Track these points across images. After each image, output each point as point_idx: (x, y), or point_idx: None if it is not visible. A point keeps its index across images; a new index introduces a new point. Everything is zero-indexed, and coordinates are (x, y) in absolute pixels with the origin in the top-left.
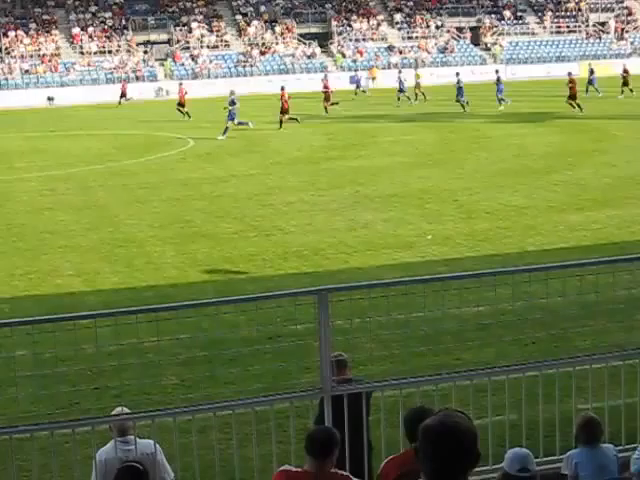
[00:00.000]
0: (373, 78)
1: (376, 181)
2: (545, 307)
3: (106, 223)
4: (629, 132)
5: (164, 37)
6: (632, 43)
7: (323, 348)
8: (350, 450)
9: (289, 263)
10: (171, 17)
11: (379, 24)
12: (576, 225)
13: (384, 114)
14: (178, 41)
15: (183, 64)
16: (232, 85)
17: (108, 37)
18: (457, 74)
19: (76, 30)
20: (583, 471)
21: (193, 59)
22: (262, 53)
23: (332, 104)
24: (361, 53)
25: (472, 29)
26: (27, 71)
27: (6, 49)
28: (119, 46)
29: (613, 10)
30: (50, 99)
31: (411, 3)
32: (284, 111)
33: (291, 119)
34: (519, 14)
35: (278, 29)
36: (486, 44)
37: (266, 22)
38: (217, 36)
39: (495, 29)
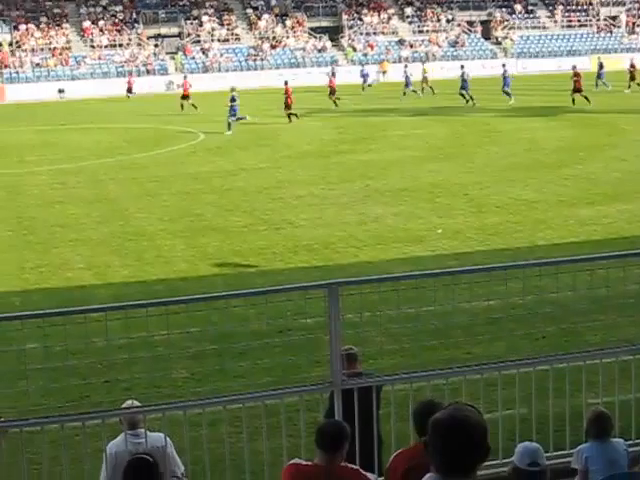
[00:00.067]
0: (384, 72)
1: (386, 175)
2: (555, 301)
3: (116, 216)
4: (638, 126)
5: (175, 30)
6: None
7: (333, 342)
8: (360, 444)
9: (299, 257)
10: (182, 10)
11: (390, 18)
12: (586, 219)
13: (394, 108)
14: (189, 34)
15: (194, 57)
16: (243, 79)
17: (119, 30)
18: (462, 67)
19: (87, 23)
20: (593, 465)
21: (204, 52)
22: (273, 47)
23: (336, 98)
24: (372, 47)
25: (483, 23)
26: (38, 64)
27: (17, 42)
28: (130, 40)
29: (624, 4)
30: (61, 91)
31: None
32: (288, 106)
33: (291, 115)
34: (530, 8)
35: (289, 23)
36: (497, 38)
37: (277, 16)
38: (228, 29)
39: (506, 23)
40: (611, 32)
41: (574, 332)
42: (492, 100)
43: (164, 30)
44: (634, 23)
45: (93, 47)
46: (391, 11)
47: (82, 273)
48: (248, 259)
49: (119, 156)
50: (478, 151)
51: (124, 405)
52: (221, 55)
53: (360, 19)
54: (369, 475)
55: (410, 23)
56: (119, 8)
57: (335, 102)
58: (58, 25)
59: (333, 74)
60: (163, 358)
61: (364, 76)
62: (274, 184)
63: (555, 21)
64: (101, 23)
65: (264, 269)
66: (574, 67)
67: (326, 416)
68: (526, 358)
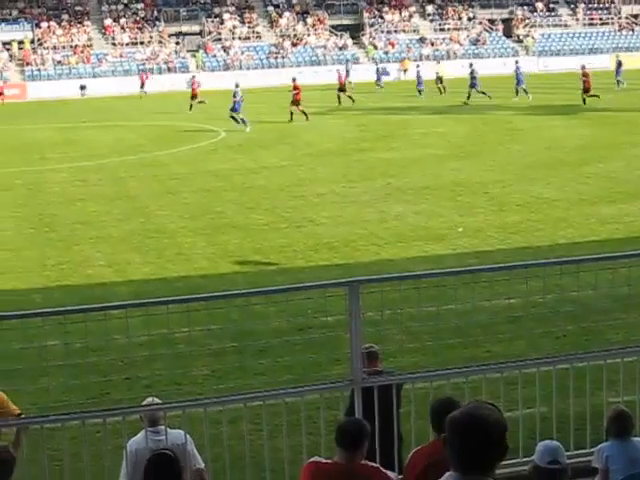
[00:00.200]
0: (405, 70)
1: (407, 173)
2: (576, 300)
3: (137, 214)
4: None
5: (196, 28)
6: None
7: (354, 340)
8: (380, 442)
9: (320, 255)
10: (203, 8)
11: (411, 16)
12: (608, 218)
13: (415, 106)
14: (210, 32)
15: (215, 55)
16: (264, 76)
17: (140, 28)
18: (470, 65)
19: (108, 21)
20: (614, 464)
21: (225, 50)
22: (294, 44)
23: (348, 95)
24: (393, 45)
25: (504, 21)
26: (59, 62)
27: (39, 40)
28: (151, 37)
29: None
30: (82, 88)
31: None
32: (296, 102)
33: (292, 114)
34: (552, 6)
35: (310, 20)
36: (518, 36)
37: (298, 13)
38: (249, 27)
39: (527, 21)
40: (633, 30)
41: (595, 331)
42: (513, 98)
43: (185, 28)
44: None
45: (114, 45)
46: (412, 9)
47: (103, 270)
48: (269, 257)
49: (140, 153)
50: (499, 149)
51: (144, 402)
52: (242, 53)
53: (381, 17)
54: (389, 473)
55: (431, 21)
56: (140, 6)
57: (339, 98)
58: (80, 23)
59: (347, 72)
60: (183, 355)
61: (379, 75)
62: (295, 182)
63: (577, 19)
64: (122, 21)
65: (285, 267)
66: (583, 67)
67: (346, 414)
68: (546, 357)
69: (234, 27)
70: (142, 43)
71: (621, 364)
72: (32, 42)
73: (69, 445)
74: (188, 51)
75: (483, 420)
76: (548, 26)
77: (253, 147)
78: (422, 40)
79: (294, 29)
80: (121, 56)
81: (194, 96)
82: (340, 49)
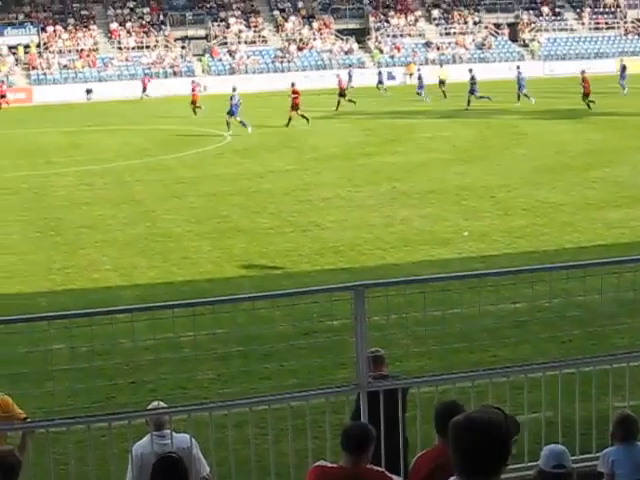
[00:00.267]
0: (410, 74)
1: (413, 177)
2: (582, 304)
3: (143, 218)
4: None
5: (202, 32)
6: None
7: (359, 344)
8: (386, 446)
9: (325, 259)
10: (209, 12)
11: (417, 20)
12: (614, 222)
13: (421, 110)
14: (216, 36)
15: (220, 59)
16: (269, 81)
17: (146, 32)
18: (470, 70)
19: (114, 25)
20: (620, 469)
21: (230, 54)
22: (299, 49)
23: (349, 100)
24: (398, 49)
25: (510, 25)
26: (65, 66)
27: (45, 44)
28: (157, 41)
29: None
30: (89, 92)
31: None
32: (295, 107)
33: (290, 119)
34: (557, 10)
35: (316, 25)
36: (524, 40)
37: (304, 18)
38: (255, 32)
39: (533, 25)
40: (638, 35)
41: (601, 335)
42: (514, 103)
43: (191, 32)
44: None
45: (120, 49)
46: (418, 13)
47: (108, 274)
48: (274, 261)
49: (146, 158)
50: (505, 153)
51: (150, 406)
52: (248, 57)
53: (387, 21)
54: (395, 477)
55: (437, 25)
56: (146, 10)
57: (338, 104)
58: (85, 27)
59: (350, 76)
60: (189, 359)
61: (381, 78)
62: (301, 186)
63: (582, 23)
64: (128, 25)
65: (290, 271)
66: (583, 72)
67: (352, 418)
68: (552, 361)
69: (240, 31)
70: (148, 47)
71: (627, 369)
72: (38, 46)
73: (74, 449)
74: (194, 55)
75: (487, 424)
76: (554, 30)
77: (259, 151)
78: (428, 44)
79: (300, 33)
80: (127, 60)
81: (194, 101)
82: (346, 53)
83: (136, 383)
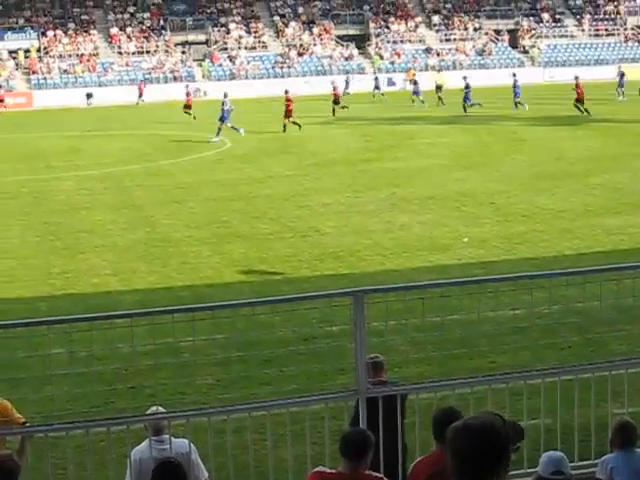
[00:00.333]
0: (410, 80)
1: (413, 183)
2: (582, 311)
3: (143, 223)
4: None
5: (202, 38)
6: None
7: (358, 350)
8: (384, 452)
9: (325, 264)
10: (209, 18)
11: (417, 26)
12: (613, 229)
13: (421, 116)
14: (216, 42)
15: (221, 65)
16: (269, 86)
17: (146, 37)
18: (464, 78)
19: (114, 30)
20: (618, 476)
21: (231, 60)
22: (300, 54)
23: (342, 107)
24: (399, 55)
25: (510, 31)
26: (65, 71)
27: (45, 49)
28: (157, 46)
29: None
30: (89, 96)
31: (449, 5)
32: (288, 114)
33: (285, 126)
34: (557, 17)
35: (316, 30)
36: (524, 47)
37: (304, 23)
38: (255, 37)
39: (533, 32)
40: (638, 41)
41: (600, 342)
42: (518, 109)
43: (191, 37)
44: None
45: (120, 54)
46: (418, 19)
47: (108, 279)
48: (274, 266)
49: (145, 163)
50: (504, 160)
51: (149, 411)
52: (248, 62)
53: (387, 27)
54: None
55: (437, 31)
56: (147, 15)
57: (334, 111)
58: (86, 32)
59: (347, 83)
60: (188, 364)
61: (378, 83)
62: (301, 192)
63: (582, 30)
64: (129, 30)
65: (290, 276)
66: (576, 78)
67: (351, 424)
68: (551, 368)
69: (240, 37)
70: (148, 52)
71: (626, 375)
72: (38, 51)
73: (73, 454)
74: (194, 60)
75: (486, 429)
76: (554, 37)
77: (259, 157)
78: (428, 50)
79: (300, 39)
80: (127, 65)
81: (189, 106)
82: (346, 59)
83: (135, 388)
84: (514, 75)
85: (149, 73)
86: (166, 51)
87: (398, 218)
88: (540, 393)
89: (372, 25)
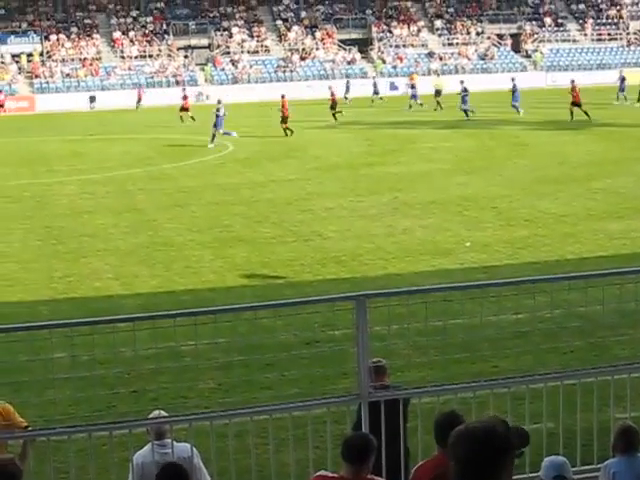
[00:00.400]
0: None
1: (415, 187)
2: (584, 315)
3: (145, 227)
4: None
5: (204, 42)
6: None
7: (361, 354)
8: (387, 456)
9: (327, 269)
10: (212, 22)
11: (419, 30)
12: (616, 233)
13: (423, 120)
14: (218, 46)
15: (223, 69)
16: (272, 90)
17: (149, 41)
18: (461, 82)
19: (117, 34)
20: None
21: (233, 64)
22: (302, 58)
23: (337, 112)
24: (401, 59)
25: (513, 36)
26: (68, 75)
27: (48, 53)
28: (160, 50)
29: None
30: (92, 99)
31: (452, 9)
32: (284, 119)
33: (287, 129)
34: (560, 21)
35: (318, 35)
36: (527, 51)
37: (306, 27)
38: (257, 41)
39: (536, 36)
40: None
41: (602, 346)
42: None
43: (194, 41)
44: None
45: (123, 58)
46: (421, 23)
47: (110, 283)
48: (276, 270)
49: (148, 167)
50: (507, 164)
51: (151, 415)
52: (250, 66)
53: (390, 31)
54: None
55: (440, 36)
56: (149, 19)
57: (334, 116)
58: (88, 36)
59: (347, 88)
60: (190, 368)
61: (376, 89)
62: (303, 196)
63: (585, 34)
64: (131, 34)
65: (292, 281)
66: (572, 81)
67: (354, 428)
68: (554, 372)
69: (243, 41)
70: (151, 56)
71: (628, 380)
72: (41, 55)
73: (75, 458)
74: (197, 64)
75: (489, 434)
76: (557, 41)
77: (261, 161)
78: (430, 55)
79: (303, 43)
80: (130, 69)
81: (186, 109)
82: (348, 63)
83: (137, 392)
84: (513, 79)
85: (151, 77)
86: (169, 55)
87: (400, 222)
88: (542, 397)
89: (375, 29)
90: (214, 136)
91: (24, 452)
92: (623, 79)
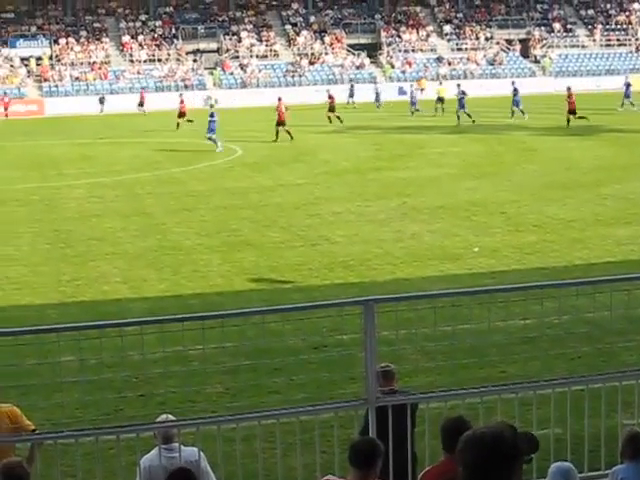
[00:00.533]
0: (422, 89)
1: (423, 192)
2: (592, 321)
3: (153, 230)
4: None
5: (213, 46)
6: None
7: (369, 359)
8: (394, 462)
9: (335, 273)
10: (221, 26)
11: (428, 35)
12: (624, 239)
13: (431, 125)
14: (227, 50)
15: (232, 73)
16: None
17: (158, 45)
18: (458, 85)
19: (126, 38)
20: None
21: (242, 68)
22: (311, 63)
23: (335, 115)
24: (410, 64)
25: (522, 41)
26: (77, 78)
27: (57, 56)
28: (169, 54)
29: None
30: (102, 101)
31: (461, 14)
32: (280, 123)
33: (289, 132)
34: (569, 27)
35: (327, 39)
36: (535, 56)
37: (315, 32)
38: (266, 45)
39: (545, 41)
40: None
41: (610, 352)
42: (530, 118)
43: (203, 45)
44: None
45: (132, 62)
46: (430, 28)
47: (118, 286)
48: (284, 275)
49: (156, 170)
50: (515, 169)
51: (159, 419)
52: (259, 71)
53: (399, 36)
54: None
55: (449, 41)
56: (158, 23)
57: (330, 119)
58: (97, 39)
59: (352, 93)
60: (198, 373)
61: (378, 96)
62: (311, 200)
63: (594, 40)
64: (140, 38)
65: (300, 285)
66: (569, 88)
67: (361, 433)
68: (561, 378)
69: (252, 45)
70: (160, 60)
71: (636, 386)
72: (50, 58)
73: (83, 461)
74: (205, 69)
75: (495, 441)
76: (565, 47)
77: (269, 165)
78: (439, 60)
79: (311, 48)
80: (139, 73)
81: (183, 114)
82: (357, 68)
83: (145, 396)
84: (513, 83)
85: (160, 81)
86: (177, 59)
87: (409, 227)
88: (550, 403)
89: (384, 34)
90: (215, 140)
91: (31, 455)
92: (628, 85)
